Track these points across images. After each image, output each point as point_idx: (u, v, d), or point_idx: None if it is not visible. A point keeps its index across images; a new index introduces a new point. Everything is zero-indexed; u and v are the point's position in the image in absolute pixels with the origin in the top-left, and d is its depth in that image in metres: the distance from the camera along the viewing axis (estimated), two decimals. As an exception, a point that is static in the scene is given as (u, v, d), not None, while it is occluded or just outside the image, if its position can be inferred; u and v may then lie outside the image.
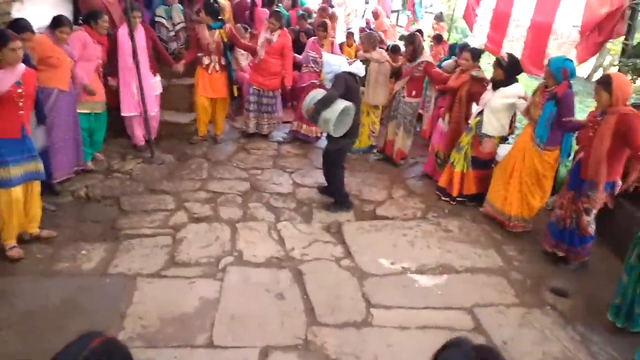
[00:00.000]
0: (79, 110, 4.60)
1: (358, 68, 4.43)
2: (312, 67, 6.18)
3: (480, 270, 3.82)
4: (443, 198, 4.95)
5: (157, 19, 6.50)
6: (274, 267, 3.69)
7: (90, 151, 4.99)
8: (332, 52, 5.92)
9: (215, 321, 3.06)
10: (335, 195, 4.72)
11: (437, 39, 7.51)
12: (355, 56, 6.42)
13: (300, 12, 8.40)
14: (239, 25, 6.89)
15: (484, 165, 4.80)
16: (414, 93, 5.58)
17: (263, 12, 7.99)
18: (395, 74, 5.72)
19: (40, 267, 3.46)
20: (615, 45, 8.21)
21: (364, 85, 5.54)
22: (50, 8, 4.69)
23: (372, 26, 9.60)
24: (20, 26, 3.66)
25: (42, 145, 3.82)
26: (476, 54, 5.04)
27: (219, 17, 5.69)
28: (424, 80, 5.77)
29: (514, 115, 4.81)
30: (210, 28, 5.55)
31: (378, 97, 5.79)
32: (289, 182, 5.18)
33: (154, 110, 5.47)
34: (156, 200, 4.55)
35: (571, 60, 4.11)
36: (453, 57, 6.49)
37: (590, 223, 3.73)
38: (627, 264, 3.13)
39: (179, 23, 6.63)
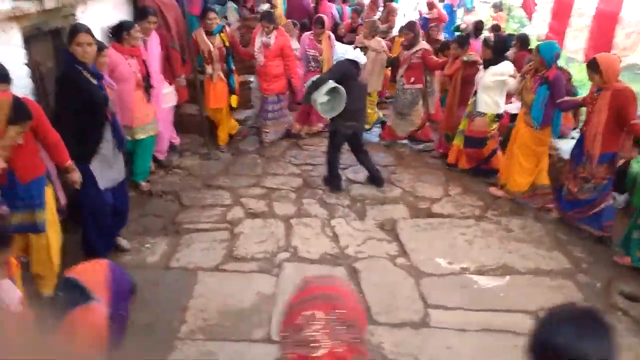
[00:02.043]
0: (130, 138, 4.17)
1: (358, 56, 4.64)
2: (312, 66, 5.96)
3: (544, 272, 3.65)
4: (448, 168, 5.37)
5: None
6: (329, 264, 3.70)
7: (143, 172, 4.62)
8: (330, 47, 5.89)
9: (272, 316, 3.10)
10: (325, 177, 4.96)
11: (495, 29, 7.22)
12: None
13: (354, 6, 8.31)
14: (288, 21, 6.89)
15: (476, 143, 5.03)
16: (412, 80, 5.70)
17: (330, 7, 8.01)
18: (393, 64, 5.93)
19: (110, 259, 3.62)
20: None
21: None
22: (112, 9, 4.86)
23: (428, 16, 9.35)
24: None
25: (122, 176, 3.54)
26: (462, 41, 5.39)
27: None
28: (422, 67, 5.75)
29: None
30: (210, 33, 5.22)
31: (372, 84, 5.81)
32: (344, 178, 5.15)
33: (167, 126, 5.08)
34: (213, 196, 4.67)
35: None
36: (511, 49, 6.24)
37: (589, 190, 3.96)
38: None
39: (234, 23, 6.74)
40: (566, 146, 4.74)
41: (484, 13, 11.48)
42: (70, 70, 3.14)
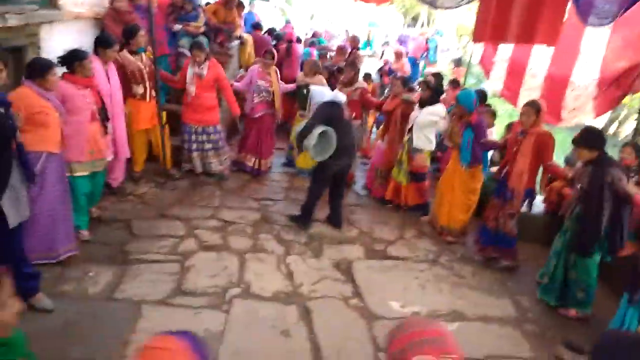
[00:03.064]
0: (79, 173, 3.93)
1: (337, 96, 4.86)
2: (264, 96, 5.92)
3: (493, 320, 3.70)
4: (388, 206, 5.62)
5: (180, 49, 6.65)
6: (282, 302, 3.61)
7: (86, 219, 4.20)
8: (277, 81, 6.03)
9: (218, 355, 2.97)
10: (301, 208, 4.90)
11: (454, 83, 7.59)
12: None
13: (320, 50, 8.58)
14: (258, 59, 7.02)
15: (420, 177, 5.41)
16: (353, 115, 5.93)
17: (300, 49, 8.24)
18: None
19: (47, 288, 3.40)
20: (633, 101, 8.24)
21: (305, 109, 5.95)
22: (77, 32, 4.79)
23: (393, 66, 9.76)
24: None
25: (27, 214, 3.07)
26: (406, 81, 5.82)
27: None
28: (360, 104, 6.11)
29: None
30: (135, 53, 4.91)
31: None
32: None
33: (125, 154, 4.77)
34: (167, 226, 4.52)
35: (473, 91, 5.05)
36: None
37: (513, 226, 4.37)
38: (555, 249, 3.97)
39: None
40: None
41: (444, 66, 12.09)
42: None
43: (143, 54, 4.98)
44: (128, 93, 4.96)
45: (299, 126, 4.76)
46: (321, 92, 4.84)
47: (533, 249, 4.79)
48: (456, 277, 4.27)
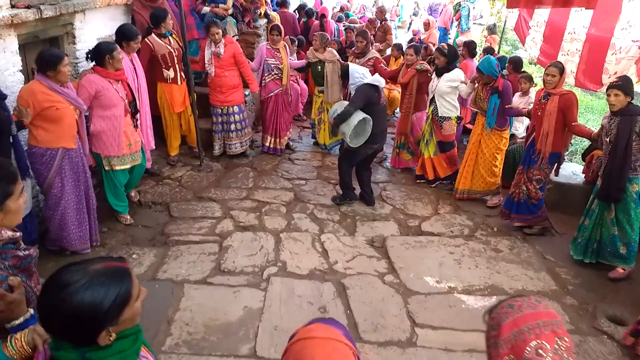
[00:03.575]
0: (119, 167, 3.98)
1: (378, 80, 4.69)
2: (275, 74, 5.84)
3: (532, 294, 3.64)
4: (420, 181, 5.60)
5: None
6: (317, 280, 3.68)
7: (125, 204, 4.28)
8: (287, 56, 5.94)
9: (258, 331, 3.08)
10: (342, 187, 4.98)
11: (488, 51, 7.33)
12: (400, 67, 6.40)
13: (348, 24, 8.45)
14: (286, 37, 6.97)
15: (449, 146, 5.40)
16: None
17: (332, 25, 8.17)
18: (345, 73, 5.90)
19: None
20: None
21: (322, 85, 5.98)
22: (110, 20, 4.87)
23: (422, 37, 9.52)
24: None
25: (29, 207, 3.15)
26: (418, 49, 5.78)
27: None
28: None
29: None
30: (163, 36, 4.93)
31: (335, 95, 5.93)
32: (333, 193, 5.17)
33: (151, 145, 4.87)
34: (204, 208, 4.65)
35: (492, 54, 5.37)
36: (503, 70, 6.34)
37: (538, 190, 4.38)
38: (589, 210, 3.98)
39: (233, 36, 6.79)
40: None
41: (478, 35, 11.67)
42: None
43: (171, 38, 5.01)
44: (159, 77, 5.06)
45: (335, 107, 4.68)
46: (362, 74, 4.65)
47: (572, 220, 4.65)
48: (493, 252, 4.22)
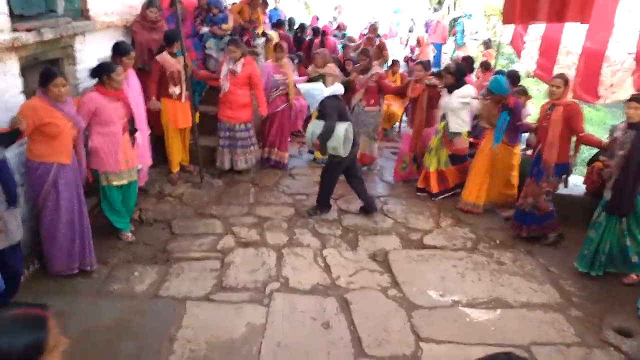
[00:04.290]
0: (115, 183, 4.00)
1: (337, 89, 4.84)
2: (282, 89, 6.06)
3: (536, 306, 3.63)
4: (420, 194, 5.61)
5: (207, 51, 6.75)
6: (320, 295, 3.66)
7: (127, 221, 4.31)
8: (292, 71, 6.10)
9: (261, 348, 3.05)
10: (319, 197, 5.01)
11: (485, 66, 7.41)
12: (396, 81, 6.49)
13: (345, 41, 8.56)
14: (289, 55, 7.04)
15: (461, 159, 5.55)
16: (372, 102, 6.03)
17: (334, 42, 8.28)
18: (346, 88, 6.02)
19: (96, 287, 3.59)
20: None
21: None
22: (110, 42, 4.92)
23: (416, 53, 9.65)
24: None
25: (15, 238, 3.01)
26: (427, 66, 5.87)
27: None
28: (378, 90, 6.09)
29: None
30: (174, 55, 5.14)
31: None
32: (334, 208, 5.16)
33: (148, 162, 4.95)
34: (205, 224, 4.64)
35: (502, 75, 5.23)
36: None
37: (548, 202, 4.45)
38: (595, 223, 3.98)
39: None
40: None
41: (474, 50, 11.80)
42: None
43: (180, 57, 5.15)
44: (165, 93, 5.18)
45: (311, 128, 4.77)
46: (319, 89, 4.74)
47: (574, 231, 4.64)
48: (496, 264, 4.20)
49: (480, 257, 4.31)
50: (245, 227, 4.64)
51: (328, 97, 4.69)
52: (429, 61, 6.53)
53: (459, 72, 5.40)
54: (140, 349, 2.98)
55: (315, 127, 4.71)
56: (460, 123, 5.31)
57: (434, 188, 5.50)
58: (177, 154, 5.52)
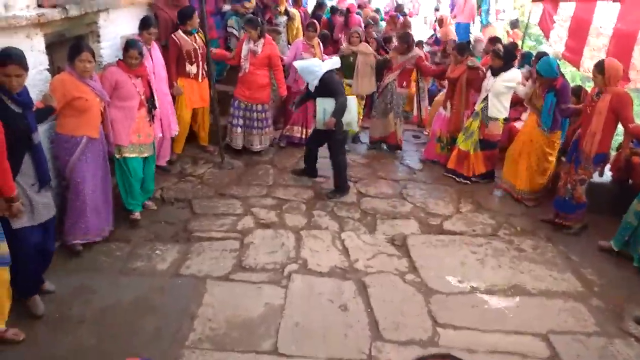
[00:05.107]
0: (127, 154, 4.03)
1: (335, 63, 4.89)
2: None
3: (556, 294, 3.60)
4: (457, 179, 5.47)
5: (228, 29, 6.72)
6: (338, 278, 3.68)
7: (141, 200, 4.33)
8: (321, 52, 6.05)
9: (280, 328, 3.10)
10: (339, 181, 5.01)
11: (511, 47, 7.19)
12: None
13: (369, 20, 8.39)
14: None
15: (491, 145, 5.42)
16: (404, 84, 6.10)
17: (358, 20, 8.14)
18: (383, 65, 6.08)
19: (119, 265, 3.67)
20: None
21: (351, 77, 6.07)
22: (133, 18, 4.94)
23: (438, 35, 9.43)
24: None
25: (43, 217, 3.03)
26: (463, 48, 5.75)
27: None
28: (412, 73, 6.22)
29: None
30: (190, 33, 5.10)
31: (364, 88, 6.13)
32: (352, 191, 5.16)
33: (173, 132, 5.04)
34: (225, 205, 4.69)
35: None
36: (526, 66, 6.22)
37: (583, 192, 4.30)
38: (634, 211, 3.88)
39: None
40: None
41: (500, 30, 11.46)
42: None
43: (196, 35, 5.15)
44: (182, 72, 5.16)
45: (322, 106, 4.78)
46: (317, 65, 4.77)
47: (599, 220, 4.55)
48: (516, 251, 4.16)
49: (500, 243, 4.27)
50: (265, 208, 4.67)
51: (329, 72, 4.73)
52: (468, 42, 6.36)
53: (508, 55, 5.23)
54: (162, 326, 3.06)
55: (326, 104, 4.71)
56: (500, 108, 5.20)
57: (469, 171, 5.44)
58: (183, 135, 5.46)
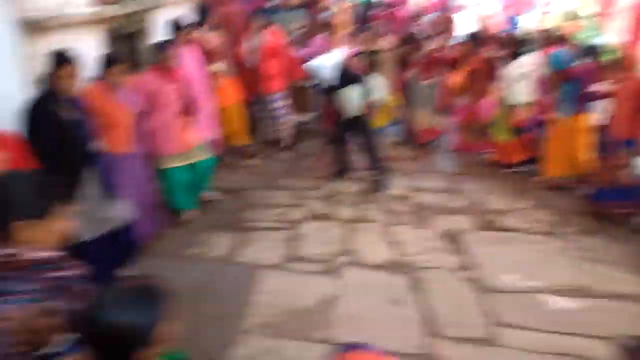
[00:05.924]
0: (171, 165, 3.93)
1: (342, 52, 5.06)
2: None
3: (626, 297, 3.38)
4: (502, 170, 5.41)
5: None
6: (390, 271, 3.63)
7: (191, 200, 4.24)
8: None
9: (333, 319, 3.09)
10: (379, 165, 5.04)
11: (562, 40, 6.84)
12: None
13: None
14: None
15: (523, 131, 5.27)
16: (428, 76, 6.00)
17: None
18: (403, 61, 6.08)
19: (179, 251, 3.78)
20: None
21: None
22: (185, 15, 5.02)
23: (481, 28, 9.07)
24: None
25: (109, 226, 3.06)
26: (477, 39, 5.67)
27: None
28: (436, 65, 6.05)
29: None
30: (213, 30, 5.12)
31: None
32: (403, 183, 5.08)
33: (212, 135, 4.80)
34: (277, 196, 4.75)
35: (559, 51, 4.86)
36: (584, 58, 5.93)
37: (627, 175, 4.12)
38: None
39: (299, 28, 6.82)
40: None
41: (549, 21, 10.93)
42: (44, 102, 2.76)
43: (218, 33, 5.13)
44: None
45: (352, 94, 4.78)
46: (323, 60, 4.94)
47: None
48: (578, 250, 3.94)
49: (561, 242, 4.06)
50: (315, 200, 4.68)
51: (344, 60, 4.83)
52: (479, 34, 6.13)
53: (517, 42, 5.26)
54: (222, 311, 3.12)
55: (356, 92, 4.74)
56: (522, 92, 5.12)
57: (510, 159, 5.39)
58: (240, 126, 5.45)
